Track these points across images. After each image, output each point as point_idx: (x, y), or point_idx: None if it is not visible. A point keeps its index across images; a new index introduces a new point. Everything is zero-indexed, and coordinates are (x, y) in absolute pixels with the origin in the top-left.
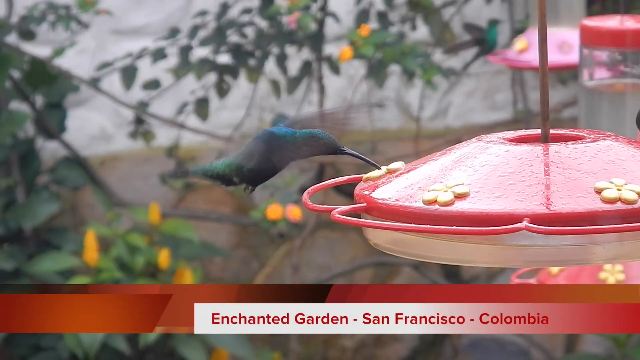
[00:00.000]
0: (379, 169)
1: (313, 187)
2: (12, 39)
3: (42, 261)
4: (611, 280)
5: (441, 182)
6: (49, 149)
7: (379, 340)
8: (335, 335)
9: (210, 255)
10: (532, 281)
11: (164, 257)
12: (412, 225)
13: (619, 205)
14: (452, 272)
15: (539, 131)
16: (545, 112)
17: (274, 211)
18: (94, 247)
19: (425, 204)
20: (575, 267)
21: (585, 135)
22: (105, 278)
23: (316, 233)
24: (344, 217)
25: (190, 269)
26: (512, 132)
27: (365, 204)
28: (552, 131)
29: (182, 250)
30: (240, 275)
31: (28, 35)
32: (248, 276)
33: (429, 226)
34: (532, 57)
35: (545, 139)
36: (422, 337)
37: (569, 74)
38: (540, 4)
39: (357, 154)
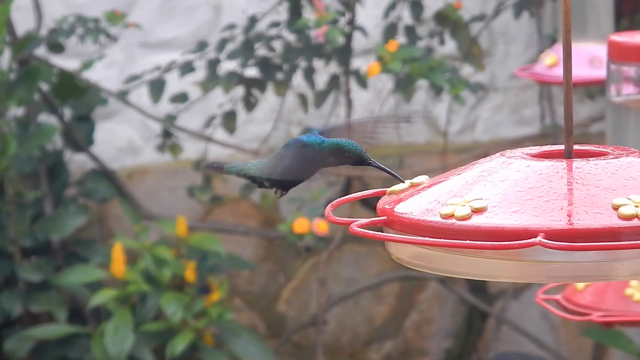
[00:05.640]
0: (404, 182)
1: (336, 200)
2: (41, 51)
3: (69, 273)
4: (637, 296)
5: (460, 197)
6: (77, 162)
7: (406, 353)
8: (362, 348)
9: (237, 268)
10: (558, 297)
11: (190, 270)
12: (427, 239)
13: (636, 222)
14: (478, 287)
15: (563, 147)
16: (569, 127)
17: (300, 225)
18: (121, 260)
19: (442, 217)
20: (601, 283)
21: (609, 151)
22: (132, 291)
23: (343, 247)
24: (363, 230)
25: (217, 282)
26: (537, 147)
27: (385, 217)
28: (576, 147)
29: (209, 263)
30: (267, 288)
31: (57, 48)
32: (275, 290)
33: (443, 240)
34: (562, 72)
35: (568, 155)
36: (449, 351)
37: (597, 88)
38: (565, 20)
39: (382, 166)
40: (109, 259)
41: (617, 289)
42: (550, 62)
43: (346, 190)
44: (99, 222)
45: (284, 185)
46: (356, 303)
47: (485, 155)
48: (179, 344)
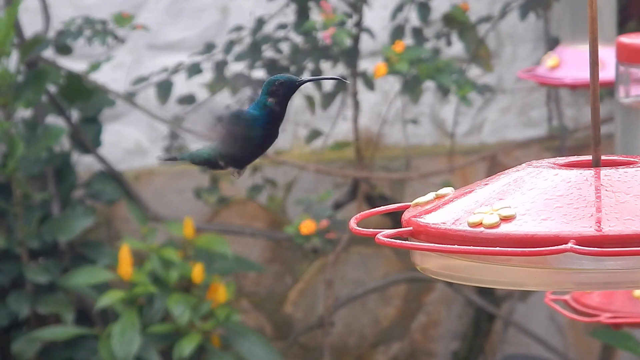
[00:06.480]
0: (345, 80)
1: (361, 213)
2: (48, 53)
3: (76, 275)
4: None
5: (488, 205)
6: (85, 163)
7: (413, 355)
8: (369, 350)
9: (244, 270)
10: (567, 298)
11: (197, 272)
12: (455, 246)
13: None
14: (485, 289)
15: (590, 157)
16: (596, 137)
17: (307, 226)
18: (129, 261)
19: (470, 226)
20: None
21: (638, 160)
22: (139, 292)
23: (350, 248)
24: (389, 240)
25: (223, 283)
26: (563, 158)
27: (411, 228)
28: (603, 157)
29: (216, 265)
30: (274, 290)
31: (64, 49)
32: (281, 291)
33: (472, 247)
34: (564, 74)
35: (596, 164)
36: (456, 353)
37: (603, 91)
38: (592, 27)
39: (317, 77)
40: (116, 260)
41: (626, 290)
42: (551, 64)
43: (353, 192)
44: (106, 223)
45: (239, 163)
46: (363, 305)
47: (492, 157)
48: (187, 346)
